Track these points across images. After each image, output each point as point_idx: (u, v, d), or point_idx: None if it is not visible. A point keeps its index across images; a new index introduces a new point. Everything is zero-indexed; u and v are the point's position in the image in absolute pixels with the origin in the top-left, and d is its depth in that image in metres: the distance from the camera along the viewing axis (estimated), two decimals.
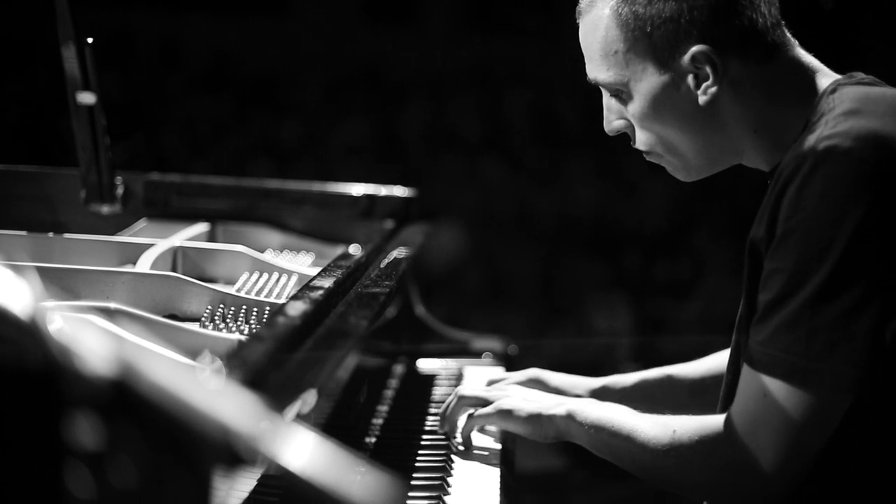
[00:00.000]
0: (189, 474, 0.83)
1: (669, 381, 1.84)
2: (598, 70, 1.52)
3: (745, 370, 1.39)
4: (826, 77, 1.48)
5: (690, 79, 1.46)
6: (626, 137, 1.57)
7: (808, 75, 1.48)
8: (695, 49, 1.44)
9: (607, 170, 5.87)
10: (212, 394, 0.79)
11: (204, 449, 0.81)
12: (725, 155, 1.53)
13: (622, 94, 1.52)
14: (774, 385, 1.35)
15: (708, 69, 1.45)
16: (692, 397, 1.83)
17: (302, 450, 0.77)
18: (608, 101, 1.55)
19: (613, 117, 1.55)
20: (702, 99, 1.46)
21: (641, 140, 1.53)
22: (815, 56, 1.51)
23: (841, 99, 1.41)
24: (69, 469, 0.78)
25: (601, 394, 1.81)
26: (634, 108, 1.50)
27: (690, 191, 4.22)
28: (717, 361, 1.83)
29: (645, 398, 1.80)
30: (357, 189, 2.29)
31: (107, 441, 0.78)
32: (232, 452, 0.79)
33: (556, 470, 3.54)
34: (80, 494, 0.78)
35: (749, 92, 1.47)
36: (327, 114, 7.00)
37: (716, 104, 1.46)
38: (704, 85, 1.45)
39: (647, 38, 1.47)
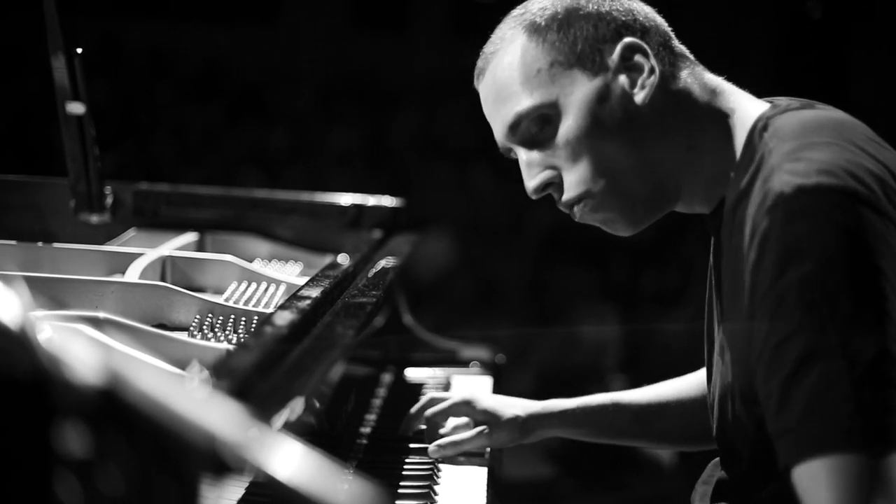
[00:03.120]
0: (177, 483, 0.84)
1: (614, 407, 1.75)
2: (519, 103, 1.40)
3: (794, 474, 1.19)
4: (735, 96, 1.41)
5: (623, 79, 1.38)
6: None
7: (719, 91, 1.41)
8: (623, 42, 1.38)
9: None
10: (199, 403, 0.80)
11: (191, 457, 0.82)
12: (668, 180, 1.39)
13: (549, 119, 1.39)
14: (836, 463, 1.15)
15: (640, 59, 1.38)
16: (637, 425, 1.77)
17: (289, 459, 0.78)
18: (527, 156, 1.41)
19: (537, 170, 1.40)
20: (639, 96, 1.37)
21: (574, 180, 1.38)
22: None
23: (779, 135, 1.31)
24: (58, 477, 0.78)
25: (540, 417, 1.74)
26: (568, 126, 1.37)
27: None
28: (665, 389, 1.77)
29: (587, 423, 1.75)
30: (345, 199, 2.30)
31: (95, 449, 0.79)
32: (219, 461, 0.80)
33: (544, 478, 3.55)
34: (69, 502, 0.79)
35: (674, 98, 1.39)
36: (317, 121, 7.02)
37: (654, 105, 1.37)
38: (641, 79, 1.38)
39: (569, 48, 1.39)
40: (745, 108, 1.40)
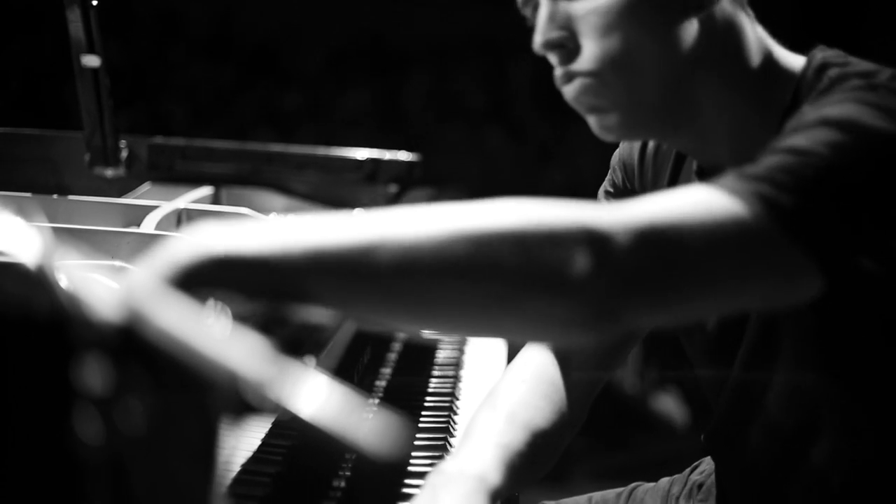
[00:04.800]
0: (198, 420, 0.84)
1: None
2: None
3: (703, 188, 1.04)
4: (786, 56, 1.27)
5: None
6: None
7: (770, 46, 1.26)
8: None
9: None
10: (220, 339, 0.80)
11: (213, 394, 0.82)
12: (686, 103, 1.23)
13: None
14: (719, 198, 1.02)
15: None
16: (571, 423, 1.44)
17: (312, 394, 0.77)
18: (551, 7, 1.21)
19: (555, 26, 1.21)
20: (697, 9, 1.20)
21: (592, 54, 1.20)
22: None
23: (845, 65, 1.20)
24: (77, 417, 0.78)
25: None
26: None
27: None
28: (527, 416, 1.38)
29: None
30: (361, 153, 2.29)
31: (115, 388, 0.78)
32: (241, 398, 0.80)
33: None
34: (89, 440, 0.78)
35: (727, 30, 1.23)
36: (330, 82, 6.99)
37: (705, 24, 1.21)
38: None
39: None
40: (792, 64, 1.27)
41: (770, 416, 1.33)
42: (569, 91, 1.24)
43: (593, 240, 0.95)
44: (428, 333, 2.16)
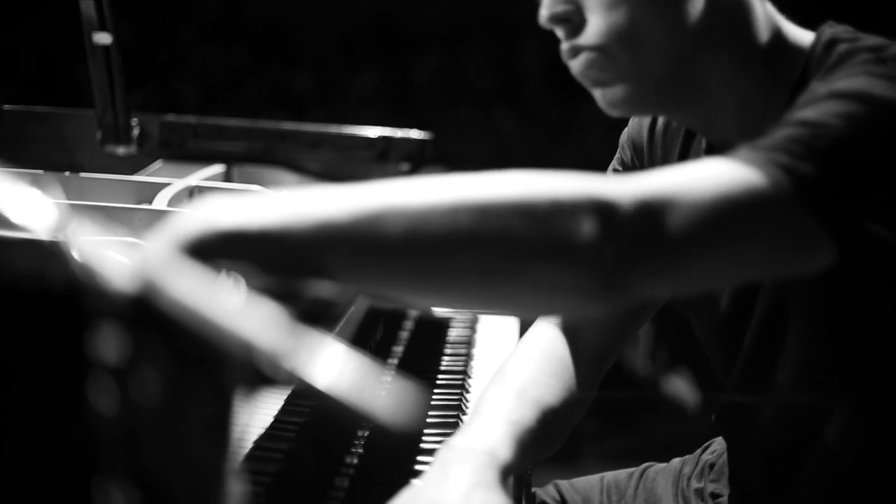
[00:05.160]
0: (212, 391, 0.84)
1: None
2: None
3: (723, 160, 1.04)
4: (796, 33, 1.25)
5: None
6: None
7: (780, 23, 1.25)
8: None
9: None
10: (234, 309, 0.79)
11: (228, 366, 0.82)
12: (688, 71, 1.21)
13: None
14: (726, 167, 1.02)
15: None
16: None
17: (327, 363, 0.77)
18: None
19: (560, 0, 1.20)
20: None
21: (597, 28, 1.19)
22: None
23: (854, 40, 1.19)
24: (93, 387, 0.78)
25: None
26: None
27: None
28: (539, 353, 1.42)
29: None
30: (373, 131, 2.28)
31: (130, 359, 0.78)
32: (256, 369, 0.80)
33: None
34: (104, 412, 0.78)
35: (736, 6, 1.22)
36: (341, 63, 6.99)
37: (714, 2, 1.19)
38: None
39: None
40: (801, 40, 1.26)
41: (780, 394, 1.33)
42: (575, 65, 1.23)
43: (601, 208, 0.94)
44: (439, 310, 2.16)
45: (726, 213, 0.99)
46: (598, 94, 1.25)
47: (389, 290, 0.96)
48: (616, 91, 1.23)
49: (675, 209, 0.97)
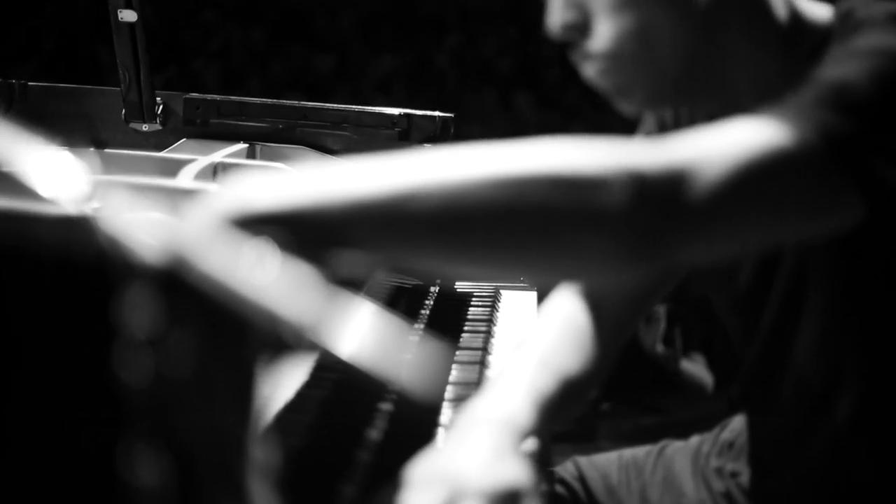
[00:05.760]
0: (239, 362, 0.85)
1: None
2: None
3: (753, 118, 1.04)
4: (806, 1, 1.24)
5: None
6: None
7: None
8: None
9: None
10: (262, 280, 0.80)
11: (255, 336, 0.83)
12: (705, 62, 1.19)
13: None
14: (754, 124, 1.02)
15: None
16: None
17: (354, 331, 0.78)
18: None
19: (569, 6, 1.18)
20: None
21: (604, 33, 1.17)
22: None
23: (871, 6, 1.17)
24: (119, 358, 0.79)
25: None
26: None
27: None
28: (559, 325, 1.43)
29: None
30: (395, 110, 2.29)
31: (157, 330, 0.79)
32: (283, 339, 0.81)
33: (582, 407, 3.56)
34: (131, 382, 0.79)
35: None
36: (361, 47, 6.98)
37: None
38: None
39: None
40: (819, 16, 1.24)
41: (799, 368, 1.33)
42: (588, 71, 1.22)
43: (631, 174, 0.96)
44: (460, 286, 2.17)
45: (755, 173, 1.00)
46: (616, 100, 1.24)
47: (422, 261, 0.97)
48: (634, 95, 1.21)
49: (704, 172, 0.98)
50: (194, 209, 0.91)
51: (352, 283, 1.32)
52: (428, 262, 0.98)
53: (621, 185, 0.95)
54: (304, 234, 0.90)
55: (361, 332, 0.79)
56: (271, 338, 0.82)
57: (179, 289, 0.79)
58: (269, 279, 0.80)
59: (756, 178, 1.00)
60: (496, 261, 0.99)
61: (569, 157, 0.97)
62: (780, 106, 1.05)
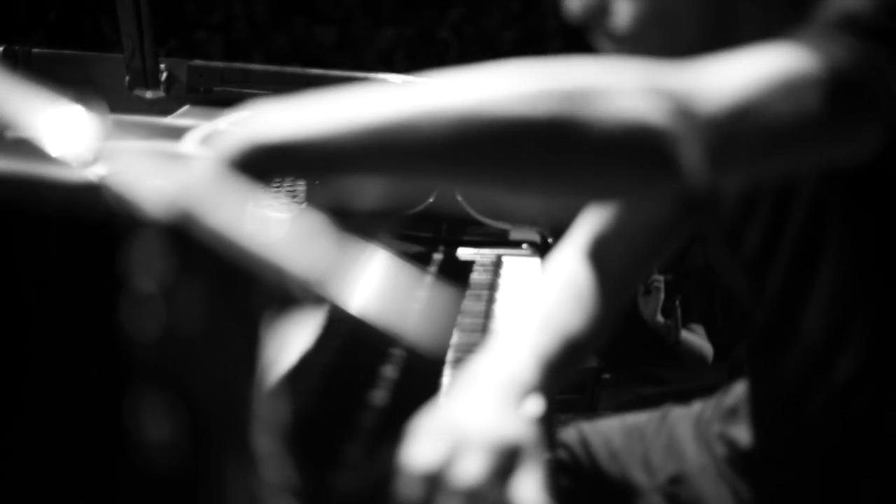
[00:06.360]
0: (246, 315, 0.85)
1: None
2: None
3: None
4: None
5: None
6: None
7: None
8: None
9: None
10: (270, 232, 0.81)
11: (262, 289, 0.83)
12: (723, 30, 1.19)
13: None
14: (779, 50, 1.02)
15: None
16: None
17: (363, 283, 0.78)
18: None
19: None
20: None
21: (624, 13, 1.17)
22: None
23: None
24: (126, 312, 0.79)
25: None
26: None
27: None
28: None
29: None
30: (399, 77, 2.29)
31: (164, 283, 0.79)
32: (291, 292, 0.81)
33: (586, 368, 3.56)
34: (138, 336, 0.80)
35: None
36: (363, 19, 6.97)
37: None
38: None
39: None
40: None
41: (806, 329, 1.33)
42: (606, 48, 1.22)
43: (658, 85, 0.95)
44: (463, 253, 2.17)
45: (775, 90, 1.00)
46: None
47: (440, 183, 0.97)
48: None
49: (725, 87, 0.98)
50: (203, 154, 0.91)
51: (360, 237, 1.32)
52: (446, 183, 0.96)
53: (650, 100, 0.94)
54: (318, 165, 0.89)
55: (370, 283, 0.79)
56: (279, 291, 0.83)
57: (186, 242, 0.79)
58: (276, 231, 0.80)
59: (776, 95, 1.00)
60: (519, 180, 0.97)
61: (594, 74, 0.95)
62: (794, 35, 1.06)
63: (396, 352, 1.46)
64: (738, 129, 0.99)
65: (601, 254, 1.46)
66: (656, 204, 1.34)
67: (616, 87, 0.95)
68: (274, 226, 0.81)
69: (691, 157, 0.96)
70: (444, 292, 0.85)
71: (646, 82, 0.96)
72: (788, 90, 1.01)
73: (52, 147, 0.88)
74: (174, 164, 0.84)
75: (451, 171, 0.94)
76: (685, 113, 0.96)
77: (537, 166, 0.95)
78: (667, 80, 0.97)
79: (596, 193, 1.09)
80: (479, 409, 1.14)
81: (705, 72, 1.00)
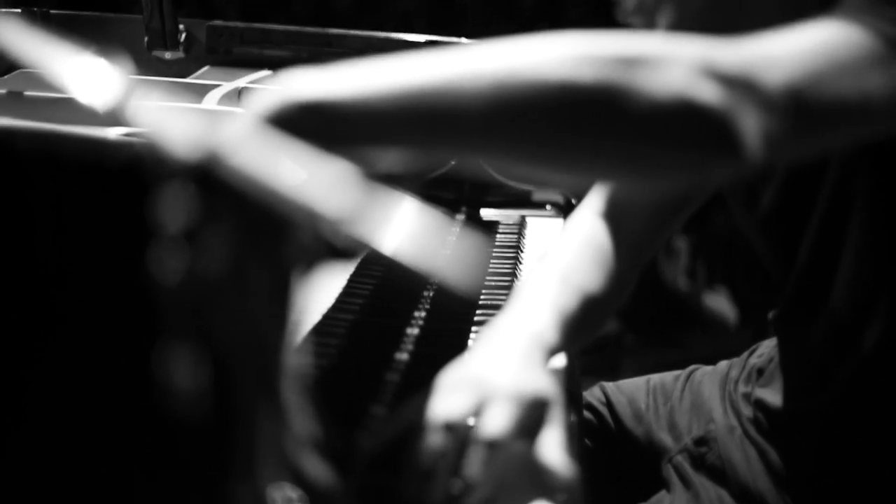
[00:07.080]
0: (277, 262, 0.84)
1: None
2: None
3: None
4: None
5: None
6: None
7: None
8: None
9: None
10: (301, 177, 0.79)
11: (294, 235, 0.82)
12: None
13: None
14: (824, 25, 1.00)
15: None
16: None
17: (395, 226, 0.77)
18: None
19: None
20: None
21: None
22: None
23: None
24: (155, 257, 0.78)
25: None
26: None
27: None
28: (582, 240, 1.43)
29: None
30: (419, 37, 2.27)
31: (193, 229, 0.78)
32: (322, 238, 0.80)
33: (608, 332, 3.56)
34: (166, 282, 0.79)
35: None
36: None
37: None
38: None
39: None
40: None
41: (834, 300, 1.32)
42: (636, 24, 1.21)
43: (704, 59, 0.92)
44: (488, 214, 2.16)
45: (840, 67, 0.97)
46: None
47: (479, 155, 0.94)
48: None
49: (778, 64, 0.96)
50: (245, 108, 0.90)
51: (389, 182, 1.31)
52: (484, 155, 0.94)
53: (705, 67, 0.91)
54: (351, 128, 0.88)
55: (401, 227, 0.78)
56: (310, 235, 0.81)
57: (216, 187, 0.78)
58: (307, 176, 0.79)
59: (836, 69, 0.96)
60: (565, 154, 0.93)
61: (646, 41, 0.92)
62: (836, 11, 1.03)
63: (420, 313, 1.45)
64: (800, 103, 0.96)
65: (620, 211, 1.45)
66: (704, 178, 1.31)
67: (671, 57, 0.91)
68: (304, 170, 0.79)
69: (752, 132, 0.93)
70: (475, 239, 0.83)
71: (702, 54, 0.93)
72: (847, 63, 0.98)
73: (79, 94, 0.87)
74: (202, 120, 0.83)
75: (492, 138, 0.91)
76: (746, 87, 0.93)
77: (584, 136, 0.90)
78: (724, 53, 0.94)
79: (646, 170, 1.00)
80: (504, 365, 1.13)
81: (762, 46, 0.97)
